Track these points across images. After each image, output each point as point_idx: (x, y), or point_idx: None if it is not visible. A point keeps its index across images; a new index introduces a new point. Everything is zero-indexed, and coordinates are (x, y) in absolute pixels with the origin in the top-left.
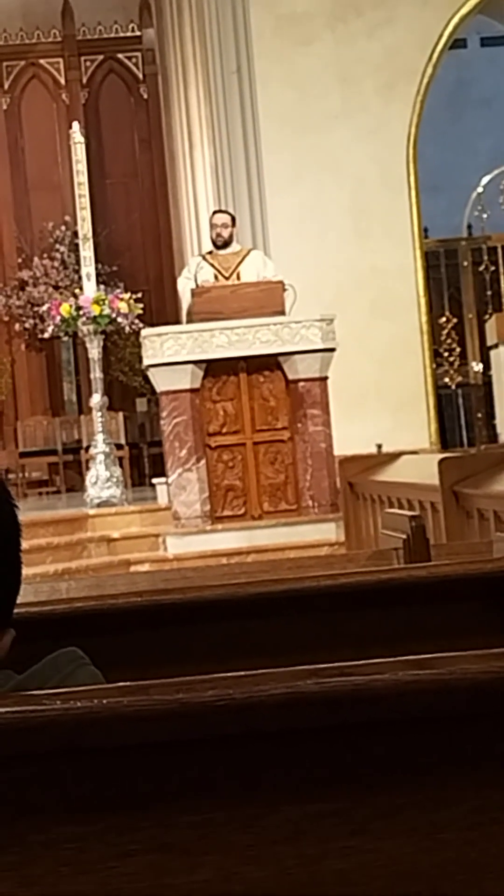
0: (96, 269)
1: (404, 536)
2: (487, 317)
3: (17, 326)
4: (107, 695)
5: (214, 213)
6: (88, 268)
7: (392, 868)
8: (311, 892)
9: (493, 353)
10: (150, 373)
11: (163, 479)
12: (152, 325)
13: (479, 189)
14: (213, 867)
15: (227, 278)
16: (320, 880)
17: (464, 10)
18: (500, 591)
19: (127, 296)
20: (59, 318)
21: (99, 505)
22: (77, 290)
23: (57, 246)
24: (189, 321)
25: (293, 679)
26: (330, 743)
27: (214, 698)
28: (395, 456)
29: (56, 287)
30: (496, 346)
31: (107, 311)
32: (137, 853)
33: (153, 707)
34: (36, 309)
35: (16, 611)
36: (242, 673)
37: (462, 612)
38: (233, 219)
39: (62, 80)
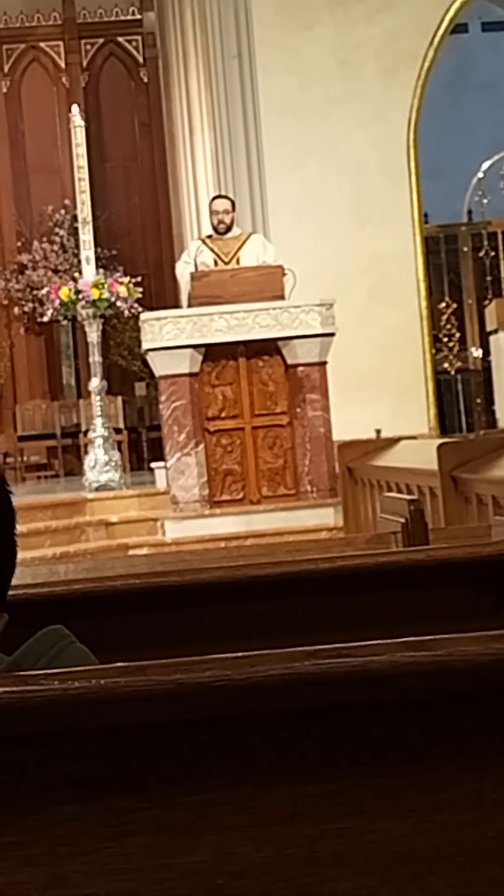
0: (96, 252)
1: (403, 520)
2: (487, 302)
3: (16, 310)
4: (105, 675)
5: (215, 198)
6: (88, 251)
7: (389, 849)
8: (308, 872)
9: (492, 338)
10: (149, 357)
11: (161, 464)
12: (151, 309)
13: (480, 174)
14: (211, 847)
15: (226, 263)
16: (317, 861)
17: None
18: (498, 574)
19: (126, 280)
20: (58, 301)
21: (97, 489)
22: (76, 274)
23: (56, 229)
24: (189, 305)
25: (290, 660)
26: (327, 724)
27: (212, 679)
28: (394, 441)
29: (55, 271)
30: (496, 331)
31: (106, 294)
32: (135, 833)
33: (151, 688)
34: (35, 292)
35: (13, 593)
36: (240, 654)
37: (460, 594)
38: (232, 203)
39: (62, 64)
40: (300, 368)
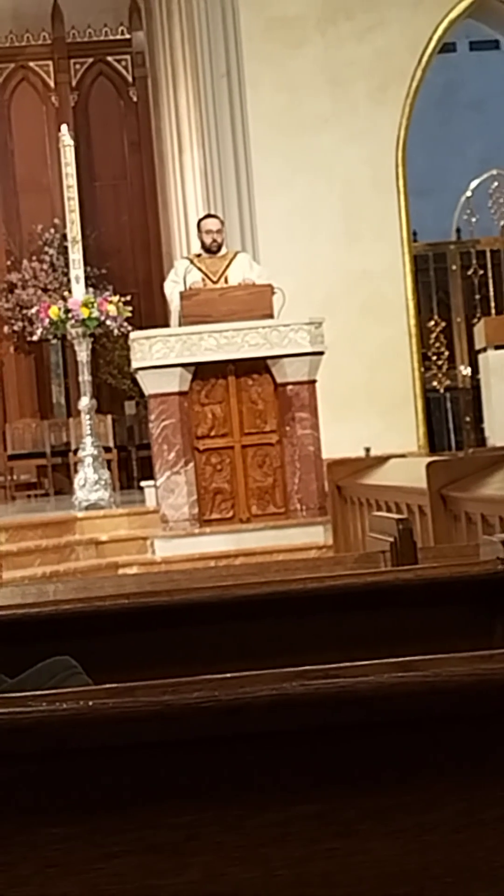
0: (85, 271)
1: (391, 539)
2: (476, 320)
3: (5, 329)
4: (93, 696)
5: (205, 217)
6: (77, 270)
7: (379, 870)
8: (298, 893)
9: (481, 356)
10: (139, 375)
11: (151, 482)
12: (141, 327)
13: (468, 193)
14: (201, 868)
15: (214, 282)
16: (307, 881)
17: (453, 14)
18: (487, 594)
19: (116, 298)
20: (47, 320)
21: (87, 508)
22: (66, 293)
23: (46, 248)
24: (178, 324)
25: (279, 681)
26: (316, 745)
27: (200, 700)
28: (384, 459)
29: (45, 289)
30: (484, 349)
31: (95, 313)
32: (124, 854)
33: (139, 709)
34: (25, 311)
35: (2, 613)
36: (228, 675)
37: (448, 614)
38: (221, 222)
39: (51, 83)
40: (289, 387)
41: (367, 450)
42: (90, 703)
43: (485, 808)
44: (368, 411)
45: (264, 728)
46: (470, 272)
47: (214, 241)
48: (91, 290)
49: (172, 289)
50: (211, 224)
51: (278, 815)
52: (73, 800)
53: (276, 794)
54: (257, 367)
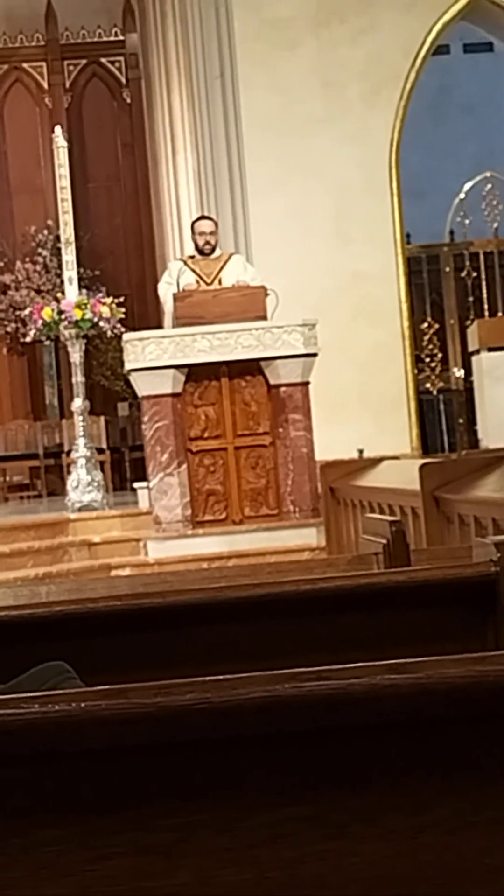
0: (78, 273)
1: (384, 541)
2: (469, 323)
3: None
4: (85, 698)
5: (199, 219)
6: (70, 272)
7: (370, 872)
8: (290, 895)
9: (474, 358)
10: (132, 377)
11: (144, 484)
12: (134, 329)
13: (462, 195)
14: (192, 870)
15: (208, 283)
16: (299, 883)
17: (447, 17)
18: (479, 596)
19: (109, 300)
20: (40, 322)
21: (80, 509)
22: (59, 294)
23: (39, 250)
24: (172, 326)
25: (272, 683)
26: (308, 747)
27: (193, 702)
28: (377, 461)
29: (38, 291)
30: (477, 352)
31: (89, 315)
32: (116, 856)
33: (132, 710)
34: (18, 313)
35: None
36: (221, 677)
37: (441, 616)
38: (215, 224)
39: (45, 84)
40: (283, 389)
41: (361, 451)
42: (82, 704)
43: (477, 810)
44: (361, 413)
45: (256, 730)
46: (463, 274)
47: (208, 242)
48: (84, 291)
49: (166, 290)
50: (204, 226)
51: (270, 817)
52: (64, 802)
53: (268, 796)
54: (250, 368)
